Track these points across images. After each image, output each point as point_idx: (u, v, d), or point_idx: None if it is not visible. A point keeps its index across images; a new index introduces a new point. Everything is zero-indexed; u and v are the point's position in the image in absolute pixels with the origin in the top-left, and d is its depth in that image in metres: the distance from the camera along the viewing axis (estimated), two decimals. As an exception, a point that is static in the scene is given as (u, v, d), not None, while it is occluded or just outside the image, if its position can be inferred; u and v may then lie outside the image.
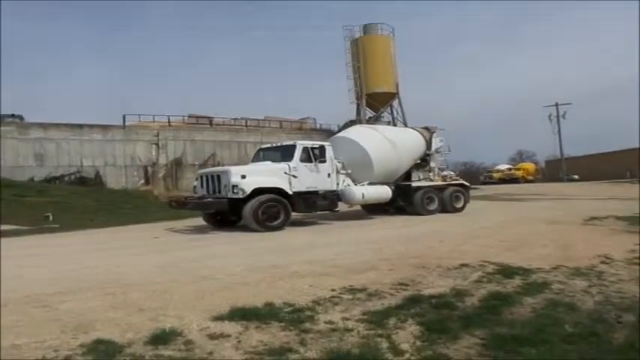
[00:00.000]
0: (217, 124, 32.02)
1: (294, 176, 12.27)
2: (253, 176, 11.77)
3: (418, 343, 3.52)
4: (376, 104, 37.17)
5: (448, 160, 18.59)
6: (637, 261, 6.49)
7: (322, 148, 12.97)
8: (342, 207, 14.19)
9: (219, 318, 4.11)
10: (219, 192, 11.84)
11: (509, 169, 54.08)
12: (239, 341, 3.58)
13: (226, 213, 12.06)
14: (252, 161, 13.89)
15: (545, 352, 3.28)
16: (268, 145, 14.23)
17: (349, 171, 13.75)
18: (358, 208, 15.78)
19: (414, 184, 15.29)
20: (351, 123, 31.58)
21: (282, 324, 3.94)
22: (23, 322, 4.15)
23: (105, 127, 27.19)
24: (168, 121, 29.89)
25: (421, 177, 16.11)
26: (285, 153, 12.77)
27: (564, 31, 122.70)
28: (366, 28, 37.65)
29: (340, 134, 16.27)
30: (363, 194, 13.58)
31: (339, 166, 13.55)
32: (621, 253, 7.02)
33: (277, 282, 5.61)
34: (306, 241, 9.75)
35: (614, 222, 11.39)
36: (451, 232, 10.50)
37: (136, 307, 4.58)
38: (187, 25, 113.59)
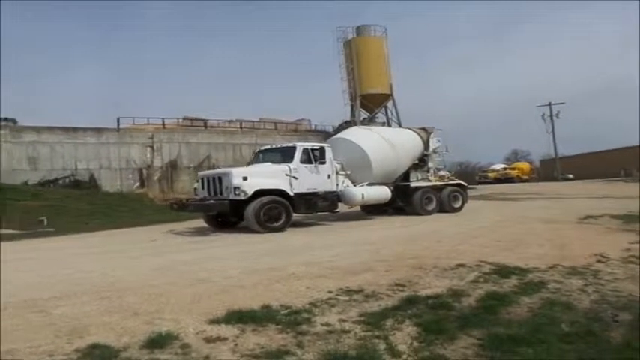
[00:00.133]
0: (212, 127, 31.96)
1: (295, 178, 12.27)
2: (255, 178, 11.77)
3: (415, 343, 3.51)
4: (371, 105, 37.31)
5: (445, 160, 18.66)
6: (632, 259, 6.52)
7: (322, 150, 13.00)
8: (342, 208, 14.20)
9: (216, 321, 4.09)
10: (221, 194, 11.84)
11: (504, 169, 54.22)
12: (236, 344, 3.57)
13: (227, 215, 12.07)
14: (252, 163, 13.88)
15: (542, 352, 3.29)
16: (268, 147, 14.23)
17: (348, 172, 13.76)
18: (357, 208, 15.78)
19: (412, 185, 15.31)
20: (346, 124, 31.69)
21: (279, 326, 3.93)
22: (20, 326, 4.11)
23: (99, 131, 27.11)
24: (163, 124, 29.81)
25: (419, 177, 16.13)
26: (285, 155, 12.78)
27: (559, 31, 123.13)
28: (359, 30, 37.77)
29: (339, 135, 16.28)
30: (363, 195, 13.58)
31: (339, 167, 13.56)
32: (617, 252, 7.06)
33: (274, 284, 5.59)
34: (305, 242, 9.75)
35: (609, 221, 11.45)
36: (449, 232, 10.52)
37: (131, 310, 4.55)
38: (181, 26, 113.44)
